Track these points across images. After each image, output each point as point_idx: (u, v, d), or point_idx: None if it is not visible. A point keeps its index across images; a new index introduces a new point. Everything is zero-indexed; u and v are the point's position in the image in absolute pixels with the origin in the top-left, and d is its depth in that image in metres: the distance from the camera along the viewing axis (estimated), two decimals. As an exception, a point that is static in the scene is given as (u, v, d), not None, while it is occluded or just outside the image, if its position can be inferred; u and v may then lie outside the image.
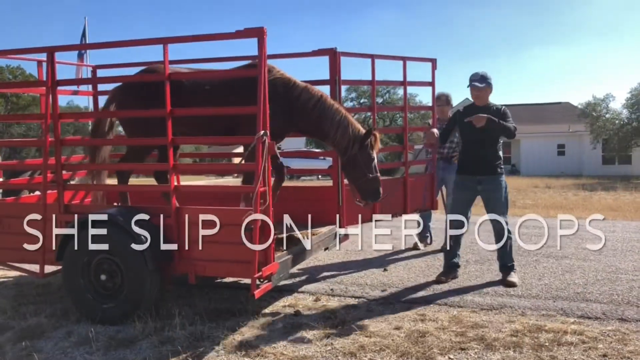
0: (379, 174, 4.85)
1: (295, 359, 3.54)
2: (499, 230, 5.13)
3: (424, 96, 32.92)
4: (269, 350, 3.69)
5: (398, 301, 4.79)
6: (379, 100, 45.80)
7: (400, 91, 43.13)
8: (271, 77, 4.56)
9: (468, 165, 5.30)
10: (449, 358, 3.52)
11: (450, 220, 5.29)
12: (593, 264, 6.02)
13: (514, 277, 5.27)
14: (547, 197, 17.56)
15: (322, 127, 4.76)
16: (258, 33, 3.99)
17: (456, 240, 5.43)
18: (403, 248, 6.88)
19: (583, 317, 4.28)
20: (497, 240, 5.14)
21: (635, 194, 19.44)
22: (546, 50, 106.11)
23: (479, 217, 5.33)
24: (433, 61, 6.43)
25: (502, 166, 5.33)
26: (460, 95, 27.95)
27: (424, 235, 7.20)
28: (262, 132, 3.92)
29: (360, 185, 4.82)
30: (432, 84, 6.42)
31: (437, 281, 5.34)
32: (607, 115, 35.55)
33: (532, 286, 5.16)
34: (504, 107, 5.31)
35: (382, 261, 6.29)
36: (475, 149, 5.23)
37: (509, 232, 5.09)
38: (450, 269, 5.47)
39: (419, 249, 7.01)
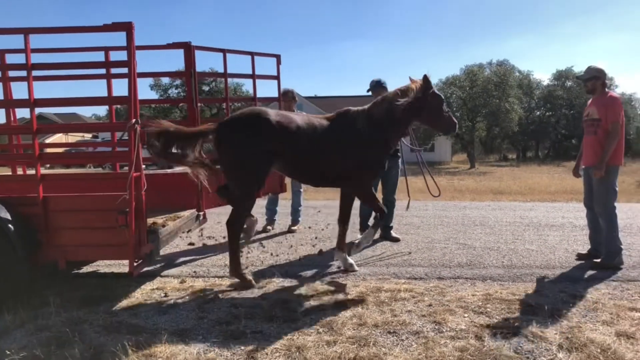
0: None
1: (177, 332, 3.85)
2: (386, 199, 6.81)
3: (248, 86, 34.15)
4: (148, 327, 3.95)
5: (259, 277, 5.29)
6: (206, 88, 45.63)
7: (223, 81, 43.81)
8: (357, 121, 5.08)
9: None
10: (311, 318, 4.12)
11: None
12: (414, 237, 7.18)
13: (395, 234, 7.05)
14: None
15: (409, 111, 5.00)
16: (126, 27, 4.17)
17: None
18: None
19: (411, 278, 5.23)
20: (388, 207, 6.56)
21: (438, 178, 22.28)
22: (355, 44, 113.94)
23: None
24: (277, 57, 7.02)
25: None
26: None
27: (271, 219, 7.81)
28: (133, 120, 4.14)
29: (441, 123, 5.22)
30: (277, 77, 7.00)
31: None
32: (415, 108, 39.47)
33: (368, 257, 6.07)
34: None
35: (236, 244, 6.70)
36: None
37: (394, 199, 6.97)
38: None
39: (267, 231, 7.61)
